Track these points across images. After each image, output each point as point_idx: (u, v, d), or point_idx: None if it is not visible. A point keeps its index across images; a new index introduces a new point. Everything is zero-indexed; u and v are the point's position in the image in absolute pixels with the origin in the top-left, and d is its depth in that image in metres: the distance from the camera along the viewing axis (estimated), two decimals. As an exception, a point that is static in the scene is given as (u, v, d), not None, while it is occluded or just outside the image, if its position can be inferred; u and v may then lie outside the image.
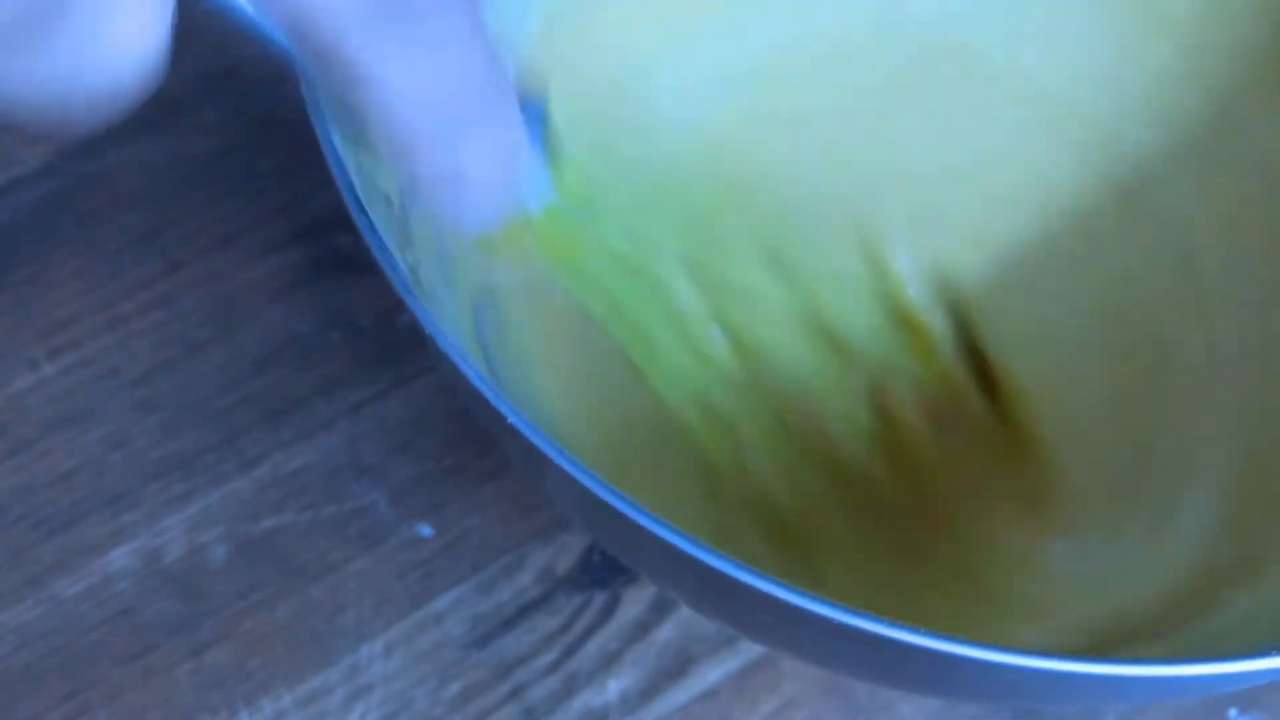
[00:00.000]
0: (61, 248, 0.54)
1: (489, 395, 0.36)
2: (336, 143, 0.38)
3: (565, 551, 0.51)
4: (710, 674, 0.50)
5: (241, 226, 0.55)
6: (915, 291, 0.51)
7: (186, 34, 0.57)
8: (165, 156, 0.56)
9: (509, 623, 0.50)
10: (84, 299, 0.54)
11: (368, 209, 0.38)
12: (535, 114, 0.41)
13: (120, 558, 0.51)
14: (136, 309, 0.54)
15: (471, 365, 0.36)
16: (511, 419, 0.35)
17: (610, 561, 0.51)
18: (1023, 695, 0.42)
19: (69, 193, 0.55)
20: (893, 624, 0.34)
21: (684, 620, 0.50)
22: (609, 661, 0.50)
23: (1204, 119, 0.53)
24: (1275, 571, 0.47)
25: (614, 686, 0.50)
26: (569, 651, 0.50)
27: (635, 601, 0.50)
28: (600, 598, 0.51)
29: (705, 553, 0.34)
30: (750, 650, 0.50)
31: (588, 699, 0.50)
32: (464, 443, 0.52)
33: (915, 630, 0.34)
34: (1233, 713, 0.50)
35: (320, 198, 0.55)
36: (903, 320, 0.51)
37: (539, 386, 0.49)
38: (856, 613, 0.34)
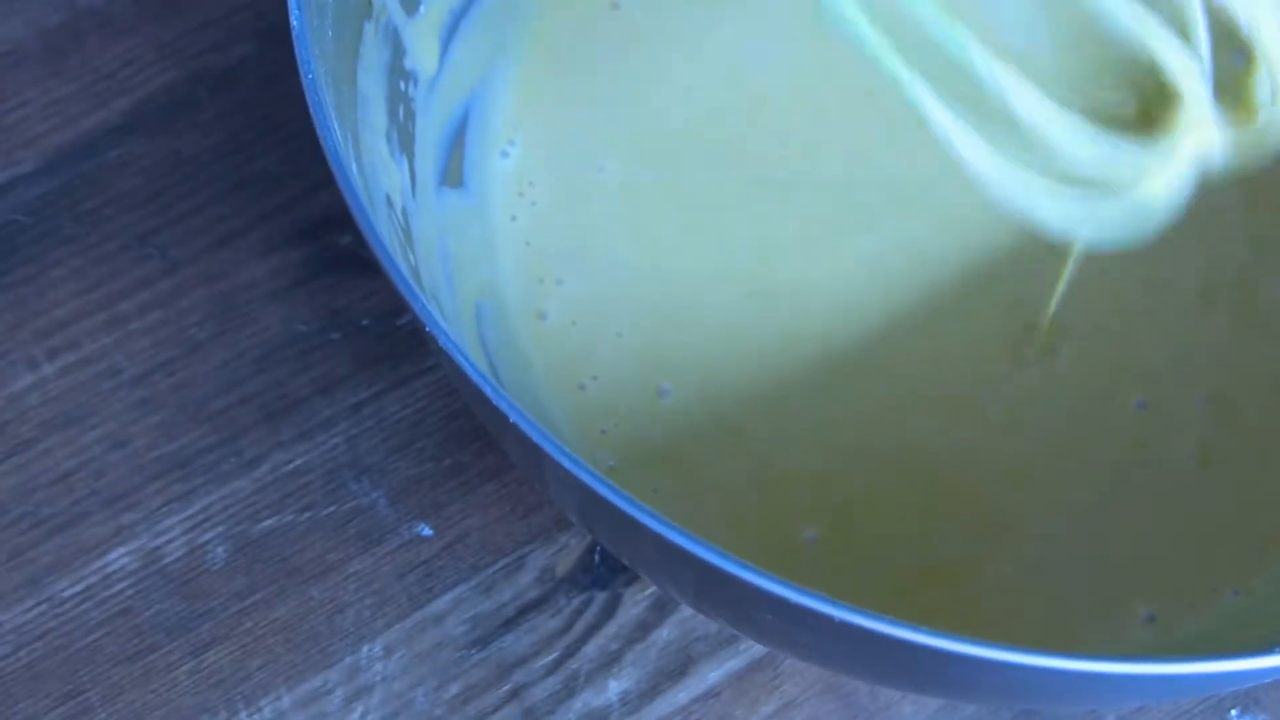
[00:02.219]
0: (61, 247, 0.54)
1: (489, 392, 0.36)
2: (337, 143, 0.38)
3: (566, 552, 0.51)
4: (711, 674, 0.50)
5: (241, 226, 0.55)
6: None
7: (186, 34, 0.58)
8: (165, 156, 0.56)
9: (509, 623, 0.50)
10: (84, 299, 0.54)
11: (369, 210, 0.38)
12: None
13: (120, 558, 0.51)
14: (136, 309, 0.54)
15: (471, 362, 0.36)
16: (513, 417, 0.35)
17: (611, 562, 0.51)
18: (1023, 695, 0.42)
19: (69, 193, 0.55)
20: (893, 622, 0.34)
21: (684, 620, 0.50)
22: (609, 662, 0.50)
23: None
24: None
25: (614, 687, 0.50)
26: (569, 652, 0.50)
27: (635, 602, 0.50)
28: (601, 598, 0.51)
29: (706, 550, 0.34)
30: (751, 650, 0.50)
31: (588, 699, 0.50)
32: (464, 443, 0.52)
33: (915, 628, 0.34)
34: (1234, 713, 0.50)
35: (320, 198, 0.55)
36: None
37: (542, 392, 0.49)
38: (857, 610, 0.34)
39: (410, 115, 0.49)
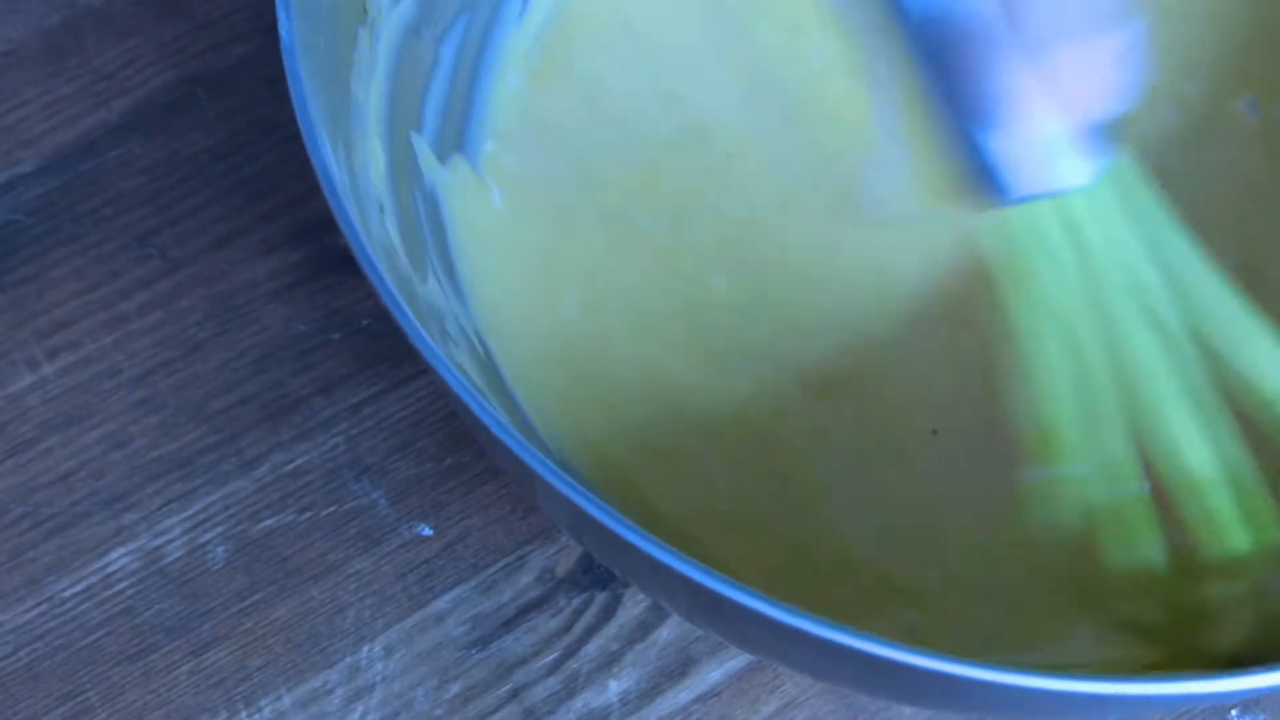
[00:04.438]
0: (61, 247, 0.54)
1: (479, 411, 0.35)
2: (328, 160, 0.38)
3: (565, 552, 0.51)
4: (711, 674, 0.50)
5: (241, 226, 0.55)
6: None
7: (186, 34, 0.58)
8: (165, 156, 0.55)
9: (509, 623, 0.50)
10: (84, 299, 0.54)
11: (363, 234, 0.38)
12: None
13: (120, 558, 0.51)
14: (136, 309, 0.54)
15: (459, 379, 0.36)
16: (512, 444, 0.35)
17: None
18: (1019, 710, 0.42)
19: (69, 193, 0.55)
20: (885, 642, 0.34)
21: (684, 620, 0.50)
22: (610, 662, 0.50)
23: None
24: None
25: (615, 687, 0.50)
26: (570, 652, 0.50)
27: (636, 602, 0.50)
28: (601, 598, 0.51)
29: (696, 570, 0.34)
30: (751, 650, 0.50)
31: (588, 699, 0.50)
32: (464, 443, 0.52)
33: (907, 649, 0.34)
34: (1234, 713, 0.50)
35: (320, 197, 0.54)
36: None
37: (541, 394, 0.49)
38: (846, 630, 0.34)
39: None
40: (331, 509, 0.51)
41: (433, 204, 0.50)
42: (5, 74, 0.56)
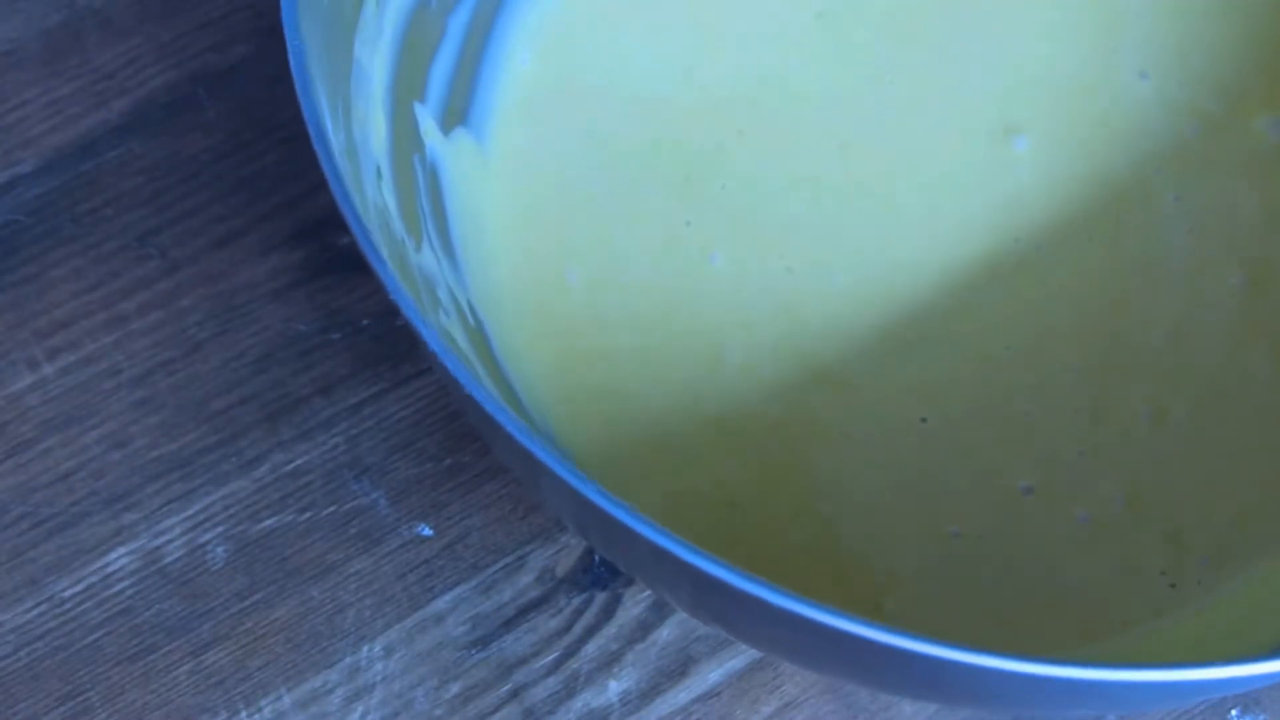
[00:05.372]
0: (61, 247, 0.54)
1: (483, 401, 0.35)
2: (321, 114, 0.38)
3: (566, 552, 0.51)
4: (711, 674, 0.50)
5: (241, 226, 0.55)
6: None
7: (186, 34, 0.58)
8: (165, 156, 0.55)
9: (509, 623, 0.50)
10: (84, 299, 0.54)
11: (355, 198, 0.38)
12: None
13: (120, 558, 0.51)
14: (136, 309, 0.54)
15: (461, 366, 0.36)
16: (510, 428, 0.35)
17: (611, 562, 0.51)
18: (1018, 701, 0.42)
19: (69, 193, 0.55)
20: (888, 629, 0.34)
21: (685, 620, 0.50)
22: (610, 662, 0.50)
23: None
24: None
25: (615, 687, 0.50)
26: (570, 652, 0.50)
27: (636, 602, 0.50)
28: (601, 598, 0.51)
29: (703, 560, 0.34)
30: (751, 650, 0.50)
31: (588, 699, 0.50)
32: (464, 443, 0.52)
33: (909, 636, 0.34)
34: (1234, 713, 0.50)
35: (320, 198, 0.55)
36: None
37: (545, 389, 0.49)
38: (853, 619, 0.34)
39: None
40: (331, 509, 0.51)
41: (433, 174, 0.50)
42: (5, 74, 0.56)
